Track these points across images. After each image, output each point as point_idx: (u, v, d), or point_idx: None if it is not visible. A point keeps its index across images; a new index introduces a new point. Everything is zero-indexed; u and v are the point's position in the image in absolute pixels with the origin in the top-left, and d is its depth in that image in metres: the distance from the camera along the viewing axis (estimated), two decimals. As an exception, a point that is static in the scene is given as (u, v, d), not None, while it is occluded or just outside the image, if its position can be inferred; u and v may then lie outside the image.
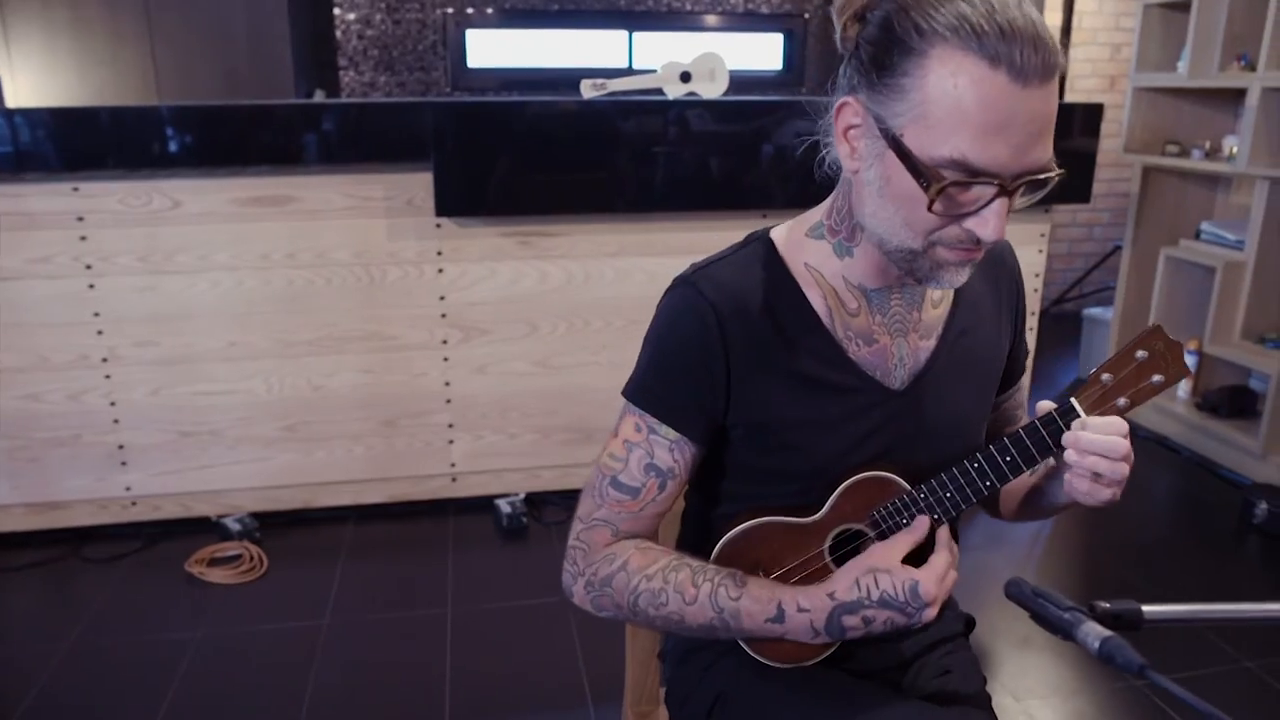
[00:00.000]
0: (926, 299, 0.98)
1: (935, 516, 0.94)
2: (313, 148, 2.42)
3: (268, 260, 2.47)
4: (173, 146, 2.36)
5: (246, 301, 2.49)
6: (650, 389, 0.97)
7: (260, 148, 2.40)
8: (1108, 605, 0.67)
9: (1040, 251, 2.89)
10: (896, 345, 0.97)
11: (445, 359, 2.60)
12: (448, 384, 2.62)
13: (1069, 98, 4.72)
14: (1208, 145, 3.32)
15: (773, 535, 0.97)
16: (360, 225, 2.50)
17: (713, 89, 2.55)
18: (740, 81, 4.96)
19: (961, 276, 0.86)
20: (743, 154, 2.55)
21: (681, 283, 0.95)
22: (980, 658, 2.06)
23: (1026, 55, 0.74)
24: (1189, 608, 0.67)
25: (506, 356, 2.65)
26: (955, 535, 1.12)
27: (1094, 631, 0.63)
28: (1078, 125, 2.76)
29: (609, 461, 0.98)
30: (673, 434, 0.96)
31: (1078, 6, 4.52)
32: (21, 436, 2.49)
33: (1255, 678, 2.02)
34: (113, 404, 2.51)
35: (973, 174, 0.77)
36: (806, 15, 4.81)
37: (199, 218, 2.42)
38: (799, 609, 0.91)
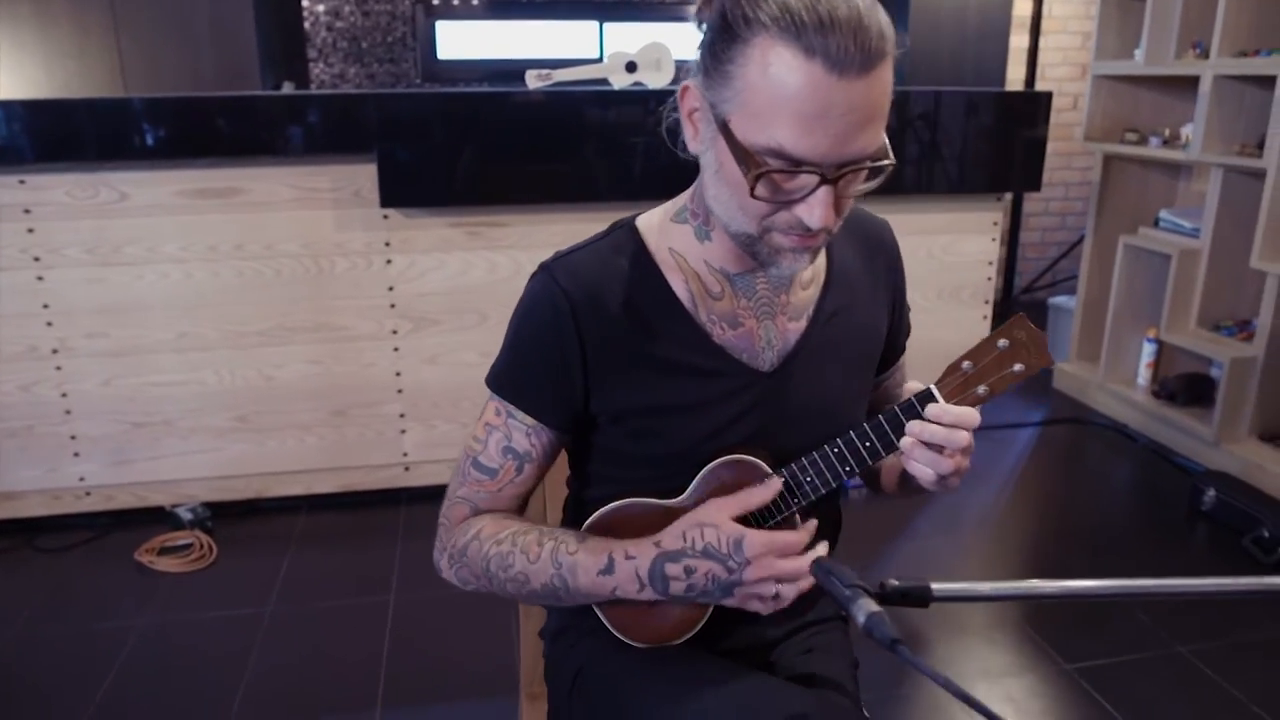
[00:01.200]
0: (795, 281, 0.99)
1: (796, 499, 0.95)
2: (258, 140, 2.43)
3: (216, 252, 2.49)
4: (118, 139, 2.37)
5: (196, 293, 2.51)
6: (507, 376, 0.98)
7: (206, 140, 2.41)
8: (896, 583, 0.68)
9: (993, 240, 2.90)
10: (763, 328, 0.98)
11: (396, 349, 2.62)
12: (399, 374, 2.64)
13: (1040, 85, 4.73)
14: (1167, 133, 3.32)
15: (637, 517, 0.98)
16: (308, 217, 2.51)
17: (659, 78, 2.55)
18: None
19: (801, 262, 0.87)
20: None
21: (540, 270, 0.96)
22: (921, 645, 2.09)
23: (844, 46, 0.74)
24: (978, 586, 0.68)
25: (457, 346, 2.67)
26: (838, 520, 1.14)
27: (865, 607, 0.64)
28: (1025, 113, 2.76)
29: (471, 443, 1.00)
30: (530, 420, 0.97)
31: (1047, -5, 4.52)
32: (-27, 427, 2.52)
33: (1186, 662, 2.04)
34: (64, 395, 2.53)
35: (792, 162, 0.78)
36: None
37: (146, 210, 2.44)
38: (626, 557, 0.92)
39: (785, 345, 0.99)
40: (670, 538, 0.91)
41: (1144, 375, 3.38)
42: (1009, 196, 4.82)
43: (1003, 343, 0.90)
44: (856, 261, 1.05)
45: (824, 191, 0.80)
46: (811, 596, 1.05)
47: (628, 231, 0.99)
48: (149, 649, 2.10)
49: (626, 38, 4.83)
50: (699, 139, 0.87)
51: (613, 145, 2.53)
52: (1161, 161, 3.45)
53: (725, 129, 0.81)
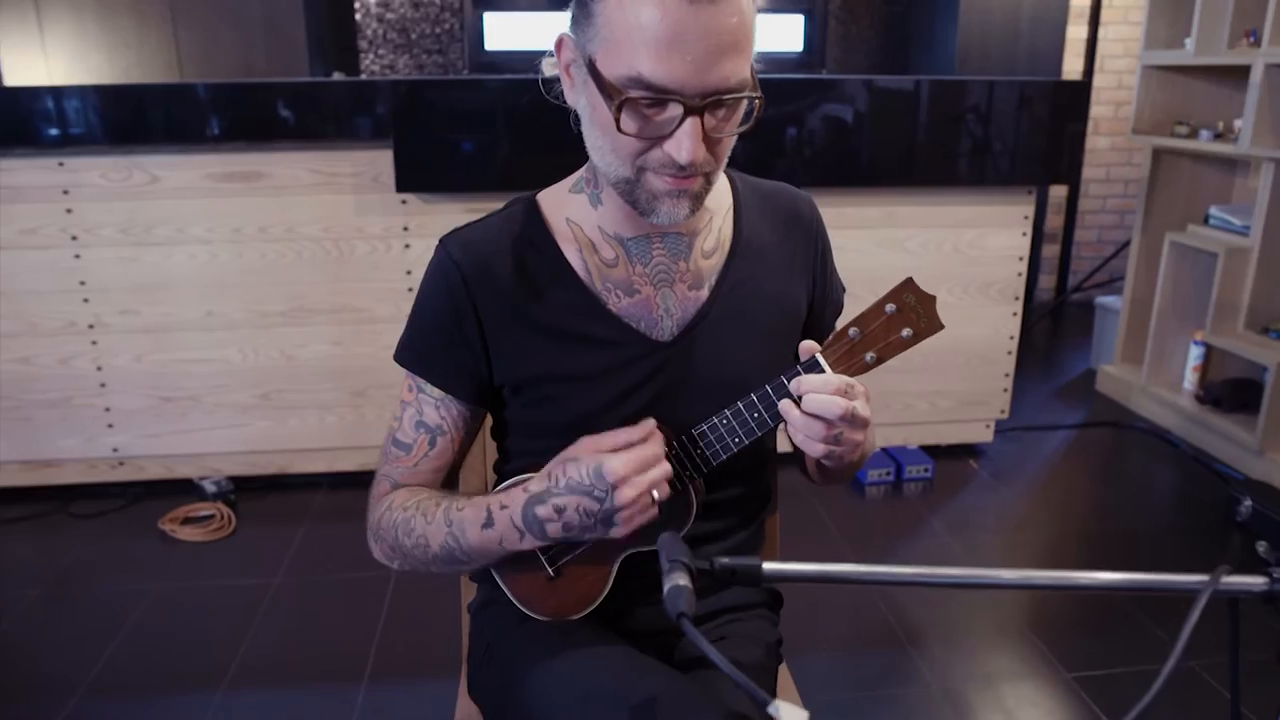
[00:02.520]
0: (696, 249, 0.99)
1: (688, 471, 0.94)
2: (281, 125, 2.49)
3: (240, 234, 2.57)
4: (150, 123, 2.46)
5: (221, 273, 2.59)
6: (412, 349, 1.00)
7: (232, 125, 2.49)
8: (726, 561, 0.67)
9: (1024, 235, 2.81)
10: (661, 295, 0.98)
11: (413, 332, 2.66)
12: (416, 357, 2.68)
13: (1100, 78, 4.56)
14: (1220, 126, 3.17)
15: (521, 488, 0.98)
16: (328, 201, 2.58)
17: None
18: (759, 63, 4.92)
19: (681, 208, 0.87)
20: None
21: (438, 245, 0.98)
22: (919, 643, 2.05)
23: None
24: (809, 566, 0.67)
25: (473, 331, 2.70)
26: (767, 496, 1.12)
27: (673, 579, 0.63)
28: (1061, 103, 2.67)
29: (391, 420, 1.02)
30: (437, 392, 0.99)
31: (1107, -17, 4.35)
32: (15, 398, 2.64)
33: (1195, 676, 1.95)
34: (99, 369, 2.64)
35: (653, 90, 0.79)
36: (827, -5, 4.73)
37: (176, 192, 2.53)
38: (501, 507, 0.92)
39: (685, 314, 0.98)
40: (537, 480, 0.91)
41: (1190, 379, 3.24)
42: (1060, 192, 4.67)
43: (890, 307, 0.87)
44: (769, 233, 1.04)
45: (690, 123, 0.81)
46: (725, 581, 1.04)
47: (525, 205, 1.00)
48: (158, 613, 2.18)
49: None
50: (574, 89, 0.88)
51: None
52: (1214, 156, 3.30)
53: (592, 67, 0.82)
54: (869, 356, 0.88)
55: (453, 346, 0.97)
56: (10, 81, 3.82)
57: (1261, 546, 0.62)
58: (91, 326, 2.61)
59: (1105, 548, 2.51)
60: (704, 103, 0.80)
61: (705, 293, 0.99)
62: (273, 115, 2.48)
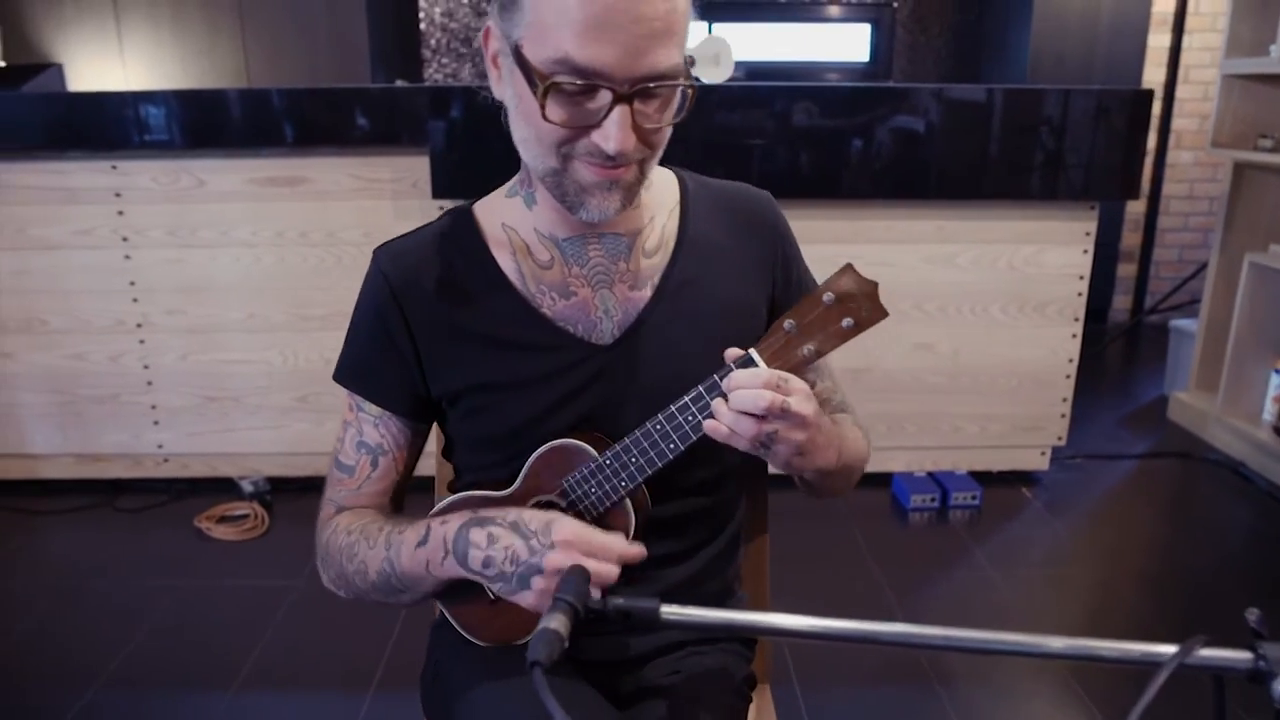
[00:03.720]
0: (637, 248, 0.95)
1: (623, 482, 0.89)
2: (323, 131, 2.52)
3: (282, 238, 2.60)
4: (197, 128, 2.52)
5: (263, 276, 2.63)
6: (347, 366, 0.98)
7: (275, 130, 2.52)
8: (621, 601, 0.61)
9: (1085, 252, 2.66)
10: (599, 297, 0.93)
11: (448, 339, 2.66)
12: (451, 364, 2.68)
13: (1183, 88, 4.34)
14: (1310, 140, 2.96)
15: (471, 510, 0.94)
16: (368, 206, 2.59)
17: (717, 74, 2.49)
18: (825, 73, 4.82)
19: (611, 201, 0.83)
20: (738, 138, 2.49)
21: (372, 257, 0.96)
22: (952, 686, 1.93)
23: None
24: (712, 613, 0.60)
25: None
26: (727, 515, 1.04)
27: (546, 622, 0.58)
28: (1124, 113, 2.52)
29: (335, 442, 1.00)
30: (375, 409, 0.96)
31: (1193, -11, 4.13)
32: (69, 392, 2.73)
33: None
34: (146, 367, 2.71)
35: (580, 74, 0.76)
36: (894, 4, 4.61)
37: (221, 196, 2.57)
38: (440, 523, 0.88)
39: (626, 316, 0.94)
40: (490, 509, 0.87)
41: (1269, 410, 3.03)
42: (1138, 209, 4.45)
43: (828, 296, 0.81)
44: (720, 233, 0.99)
45: (619, 111, 0.77)
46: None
47: (460, 214, 0.98)
48: (183, 610, 2.21)
49: (735, 38, 4.76)
50: (501, 81, 0.85)
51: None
52: (1304, 172, 3.09)
53: (518, 54, 0.79)
54: (807, 349, 0.82)
55: (387, 361, 0.94)
56: (89, 87, 3.98)
57: (1252, 615, 0.53)
58: (139, 325, 2.67)
59: (1164, 590, 2.35)
60: (633, 90, 0.77)
61: (648, 293, 0.95)
62: (315, 121, 2.52)
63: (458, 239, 0.95)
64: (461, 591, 0.94)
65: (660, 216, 0.97)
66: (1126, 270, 4.54)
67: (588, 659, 0.97)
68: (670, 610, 0.60)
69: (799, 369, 0.82)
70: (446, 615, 0.98)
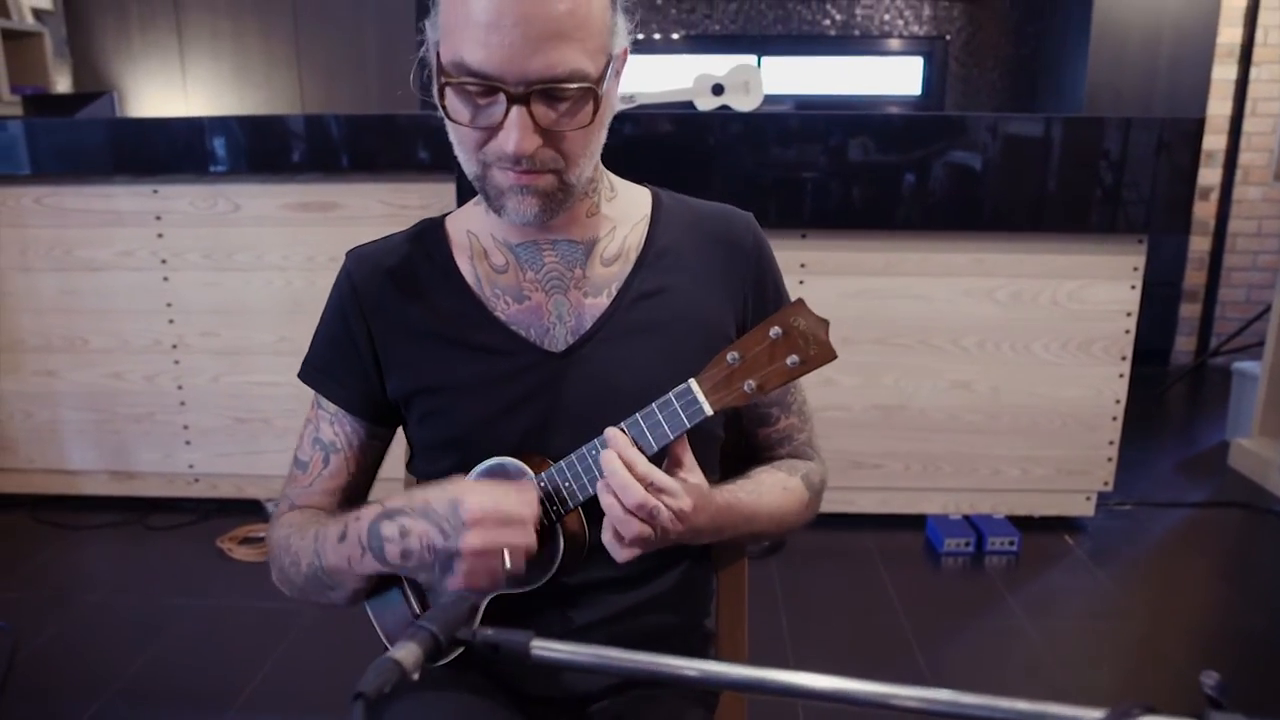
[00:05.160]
0: (595, 255, 0.94)
1: (555, 507, 0.85)
2: (354, 157, 2.55)
3: (313, 262, 2.63)
4: (234, 153, 2.57)
5: (294, 300, 2.67)
6: (310, 363, 1.00)
7: (308, 156, 2.56)
8: (490, 633, 0.57)
9: (1132, 288, 2.54)
10: (553, 302, 0.93)
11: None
12: (475, 391, 2.67)
13: (1250, 122, 4.16)
14: (1381, 175, 2.80)
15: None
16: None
17: (746, 102, 2.46)
18: (878, 107, 4.75)
19: (528, 205, 0.83)
20: (775, 168, 2.45)
21: (345, 258, 0.98)
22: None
23: None
24: (585, 649, 0.56)
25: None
26: (693, 557, 1.00)
27: (393, 652, 0.54)
28: (1173, 143, 2.41)
29: (297, 440, 0.99)
30: (332, 407, 0.98)
31: (1261, 20, 3.97)
32: (107, 410, 2.79)
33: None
34: (180, 387, 2.76)
35: (473, 75, 0.77)
36: (948, 37, 4.54)
37: (255, 220, 2.62)
38: (355, 519, 0.86)
39: (580, 323, 0.93)
40: (399, 497, 0.85)
41: (1339, 459, 2.84)
42: (1203, 245, 4.27)
43: (775, 331, 0.78)
44: (690, 248, 0.97)
45: (515, 113, 0.78)
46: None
47: (432, 222, 0.99)
48: (196, 629, 2.22)
49: (785, 71, 4.74)
50: (434, 85, 0.86)
51: (692, 167, 2.45)
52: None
53: (436, 57, 0.81)
54: (748, 385, 0.78)
55: (344, 360, 0.96)
56: (153, 115, 4.13)
57: (1210, 680, 0.46)
58: (175, 346, 2.73)
59: (1213, 651, 2.20)
60: (527, 91, 0.77)
61: (604, 300, 0.93)
62: (346, 148, 2.55)
63: (424, 244, 0.97)
64: (389, 602, 0.94)
65: (623, 228, 0.96)
66: (1190, 310, 4.35)
67: (536, 694, 0.93)
68: (543, 645, 0.55)
69: (738, 404, 0.79)
70: (374, 625, 0.97)
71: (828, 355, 0.77)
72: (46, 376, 2.77)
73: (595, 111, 0.81)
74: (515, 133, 0.78)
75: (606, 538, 0.80)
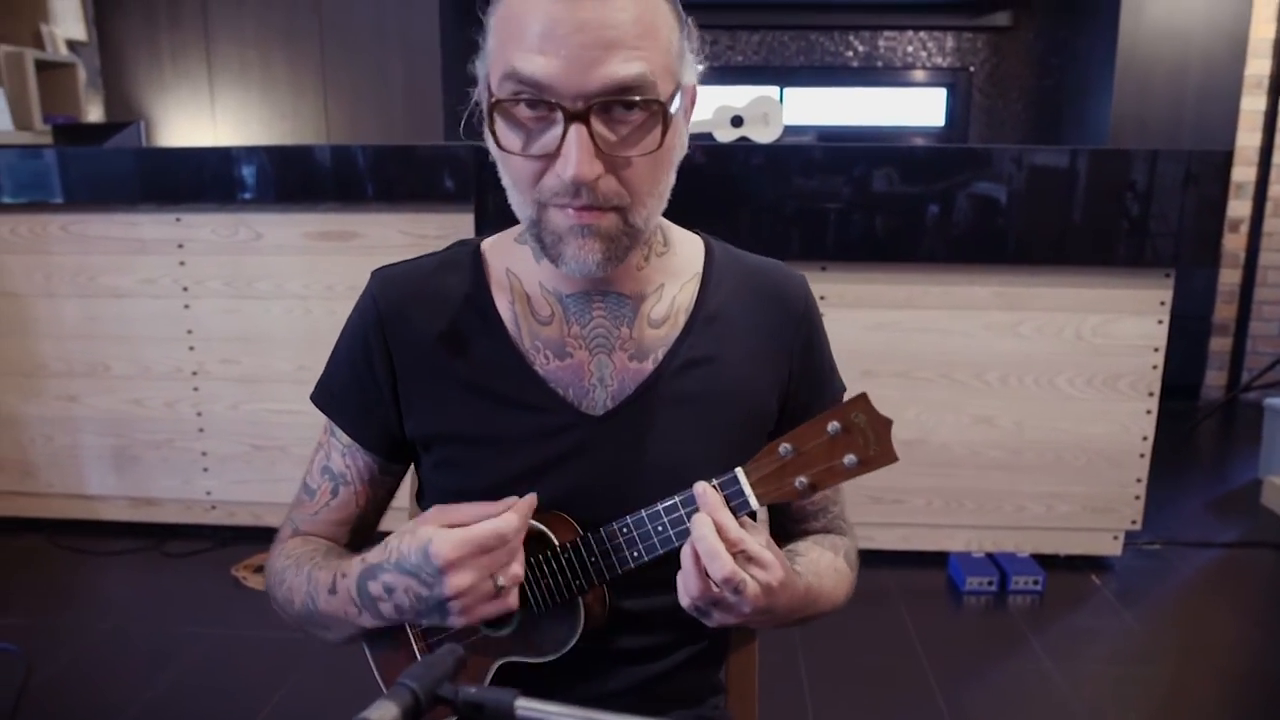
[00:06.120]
0: (642, 316, 0.87)
1: (578, 582, 0.82)
2: (373, 187, 2.57)
3: (333, 291, 2.64)
4: (255, 183, 2.59)
5: (314, 329, 2.67)
6: (325, 388, 0.94)
7: (329, 185, 2.58)
8: (473, 691, 0.54)
9: (1159, 322, 2.50)
10: (596, 362, 0.86)
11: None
12: (492, 421, 2.66)
13: (1279, 156, 4.10)
14: None
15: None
16: (417, 261, 2.61)
17: (766, 134, 2.45)
18: (901, 138, 4.74)
19: (589, 252, 0.76)
20: (797, 200, 2.43)
21: (370, 277, 0.92)
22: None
23: None
24: (567, 709, 0.53)
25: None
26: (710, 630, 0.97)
27: (372, 712, 0.52)
28: (1200, 175, 2.37)
29: (307, 464, 0.96)
30: (345, 438, 0.92)
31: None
32: (127, 436, 2.80)
33: None
34: (199, 414, 2.77)
35: (526, 86, 0.72)
36: (971, 69, 4.53)
37: (276, 248, 2.64)
38: (342, 575, 0.83)
39: (623, 387, 0.87)
40: (377, 550, 0.81)
41: (1377, 500, 2.76)
42: (1233, 279, 4.20)
43: (834, 426, 0.73)
44: (741, 310, 0.91)
45: (575, 131, 0.72)
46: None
47: (467, 249, 0.92)
48: (208, 658, 2.21)
49: (807, 103, 4.74)
50: (486, 130, 0.80)
51: (715, 198, 2.44)
52: None
53: (486, 90, 0.76)
54: (800, 481, 0.74)
55: (362, 389, 0.90)
56: (182, 144, 4.19)
57: None
58: (195, 373, 2.74)
59: (1246, 698, 2.13)
60: (586, 106, 0.71)
61: (649, 366, 0.87)
62: (366, 177, 2.56)
63: (460, 274, 0.90)
64: (391, 641, 0.90)
65: (671, 286, 0.90)
66: (1220, 344, 4.27)
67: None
68: (528, 706, 0.53)
69: (790, 500, 0.75)
70: (371, 667, 0.94)
71: (889, 457, 0.73)
72: (68, 401, 2.79)
73: (664, 135, 0.74)
74: (575, 153, 0.71)
75: (682, 592, 0.76)
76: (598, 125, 0.72)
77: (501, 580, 0.75)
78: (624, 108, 0.73)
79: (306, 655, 2.21)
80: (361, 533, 0.98)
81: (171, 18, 4.26)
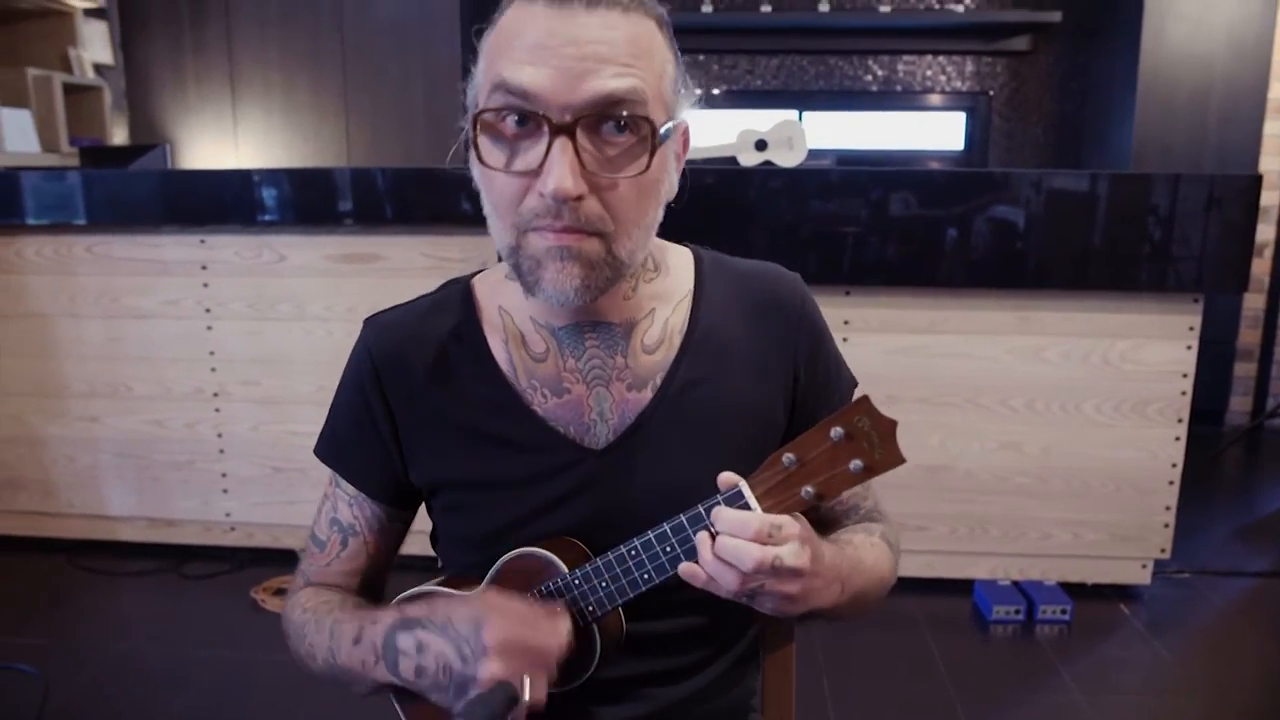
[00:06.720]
0: (635, 343, 0.86)
1: (590, 608, 0.80)
2: (396, 210, 2.57)
3: (354, 313, 2.64)
4: (279, 205, 2.60)
5: (335, 351, 2.67)
6: (328, 441, 0.95)
7: (351, 208, 2.59)
8: None
9: (1188, 348, 2.47)
10: (595, 396, 0.85)
11: (510, 418, 2.63)
12: (512, 443, 2.65)
13: (1305, 180, 4.07)
14: None
15: (399, 609, 0.88)
16: (437, 284, 2.61)
17: (790, 158, 2.44)
18: (920, 162, 4.73)
19: (568, 277, 0.74)
20: (818, 223, 2.42)
21: (362, 326, 0.92)
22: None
23: None
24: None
25: (570, 421, 2.64)
26: (738, 651, 0.95)
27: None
28: (1231, 200, 2.35)
29: (314, 514, 0.95)
30: (350, 489, 0.92)
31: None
32: (147, 457, 2.80)
33: None
34: (219, 435, 2.77)
35: (512, 95, 0.70)
36: (991, 93, 4.52)
37: (299, 270, 2.64)
38: (372, 622, 0.82)
39: (623, 419, 0.85)
40: (419, 606, 0.80)
41: None
42: (1257, 303, 4.16)
43: (837, 432, 0.71)
44: (737, 324, 0.89)
45: (559, 146, 0.70)
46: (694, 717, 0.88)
47: (458, 289, 0.92)
48: (225, 681, 2.19)
49: (826, 126, 4.74)
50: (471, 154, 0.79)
51: (735, 222, 2.43)
52: None
53: (474, 106, 0.75)
54: (806, 491, 0.72)
55: (365, 441, 0.89)
56: (205, 166, 4.23)
57: None
58: (216, 395, 2.74)
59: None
60: (573, 120, 0.70)
61: (648, 394, 0.86)
62: (388, 200, 2.57)
63: (452, 318, 0.89)
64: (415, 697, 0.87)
65: (663, 309, 0.88)
66: (1244, 370, 4.22)
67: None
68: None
69: (796, 510, 0.72)
70: (398, 710, 0.91)
71: (895, 460, 0.71)
72: (89, 422, 2.79)
73: (651, 157, 0.73)
74: (557, 167, 0.70)
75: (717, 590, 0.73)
76: (584, 142, 0.71)
77: (527, 692, 0.73)
78: (614, 128, 0.72)
79: (323, 679, 2.19)
80: (374, 578, 0.98)
81: (196, 41, 4.30)
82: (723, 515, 0.71)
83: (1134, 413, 2.51)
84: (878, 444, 0.71)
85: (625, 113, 0.71)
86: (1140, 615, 2.54)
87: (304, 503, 2.77)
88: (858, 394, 0.74)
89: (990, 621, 2.48)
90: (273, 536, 2.84)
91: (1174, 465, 2.53)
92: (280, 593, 2.60)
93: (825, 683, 2.16)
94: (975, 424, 2.53)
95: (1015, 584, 2.58)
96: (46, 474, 2.84)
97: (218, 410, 2.75)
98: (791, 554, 0.70)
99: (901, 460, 0.71)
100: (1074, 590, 2.57)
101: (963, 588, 2.62)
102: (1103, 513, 2.57)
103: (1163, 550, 2.59)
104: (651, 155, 0.73)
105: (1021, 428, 2.53)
